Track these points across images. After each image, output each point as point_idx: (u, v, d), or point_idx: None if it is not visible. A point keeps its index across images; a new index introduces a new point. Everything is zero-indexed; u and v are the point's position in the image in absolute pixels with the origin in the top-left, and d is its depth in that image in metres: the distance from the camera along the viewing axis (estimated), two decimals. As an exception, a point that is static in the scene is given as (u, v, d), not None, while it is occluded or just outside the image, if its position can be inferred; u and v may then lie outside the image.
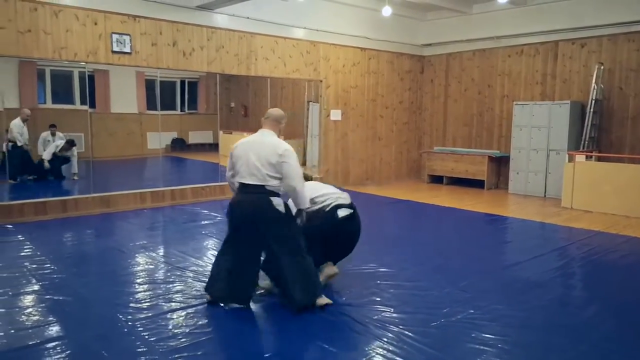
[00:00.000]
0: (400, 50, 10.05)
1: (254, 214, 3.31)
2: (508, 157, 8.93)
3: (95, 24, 6.42)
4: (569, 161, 7.45)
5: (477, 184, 9.17)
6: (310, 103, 10.51)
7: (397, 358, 2.79)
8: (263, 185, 3.32)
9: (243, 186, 3.39)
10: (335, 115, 9.17)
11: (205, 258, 4.66)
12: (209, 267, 4.34)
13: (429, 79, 10.50)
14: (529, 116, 8.49)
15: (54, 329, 3.10)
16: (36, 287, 3.82)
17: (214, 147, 10.20)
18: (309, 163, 10.76)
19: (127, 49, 6.66)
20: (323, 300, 3.42)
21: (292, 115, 11.90)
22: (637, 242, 5.49)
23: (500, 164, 9.27)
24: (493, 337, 3.07)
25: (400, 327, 3.19)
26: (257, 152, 3.38)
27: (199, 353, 2.81)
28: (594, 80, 7.75)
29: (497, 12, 8.95)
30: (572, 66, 8.38)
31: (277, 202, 3.34)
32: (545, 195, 8.34)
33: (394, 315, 3.38)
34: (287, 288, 3.34)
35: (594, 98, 7.73)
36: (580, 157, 7.37)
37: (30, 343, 2.89)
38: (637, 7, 7.39)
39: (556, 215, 6.89)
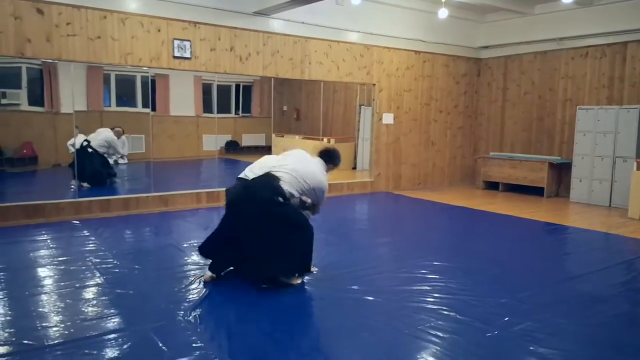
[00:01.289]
0: (456, 52, 9.83)
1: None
2: (570, 163, 8.52)
3: (159, 30, 6.71)
4: (637, 169, 7.01)
5: (536, 191, 8.80)
6: (362, 106, 10.49)
7: (450, 368, 2.72)
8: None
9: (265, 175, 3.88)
10: (388, 118, 9.09)
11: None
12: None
13: (485, 82, 10.21)
14: (594, 121, 8.07)
15: (116, 321, 3.25)
16: (99, 281, 4.02)
17: (266, 149, 10.38)
18: (359, 166, 10.73)
19: (188, 54, 6.91)
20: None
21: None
22: None
23: (562, 171, 8.85)
24: (552, 351, 2.93)
25: (455, 336, 3.11)
26: (302, 169, 3.89)
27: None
28: (667, 84, 7.26)
29: (561, 13, 8.57)
30: (642, 68, 7.89)
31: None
32: (610, 205, 7.88)
33: (447, 323, 3.30)
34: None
35: (667, 102, 7.24)
36: (650, 165, 6.92)
37: (94, 334, 3.05)
38: None
39: (622, 226, 6.49)
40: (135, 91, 9.87)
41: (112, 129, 8.44)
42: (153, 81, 10.11)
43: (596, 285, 4.18)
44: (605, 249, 5.69)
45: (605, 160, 7.95)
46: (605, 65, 8.35)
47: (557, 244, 5.90)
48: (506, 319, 3.39)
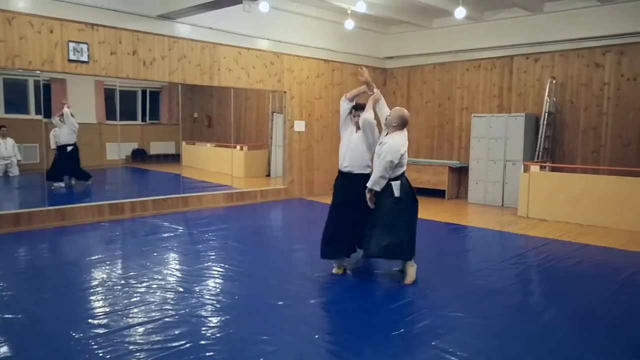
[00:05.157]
0: (363, 62, 10.17)
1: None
2: (467, 167, 9.18)
3: (51, 31, 6.23)
4: (524, 171, 7.72)
5: (438, 193, 9.35)
6: (275, 113, 10.51)
7: (359, 369, 2.79)
8: None
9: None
10: (299, 126, 9.19)
11: (165, 271, 4.55)
12: (169, 281, 4.26)
13: (391, 91, 10.69)
14: (487, 128, 8.76)
15: (1, 350, 2.94)
16: (-17, 306, 3.63)
17: (176, 158, 10.02)
18: (273, 173, 10.72)
19: (85, 58, 6.49)
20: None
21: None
22: (589, 249, 5.73)
23: (461, 174, 9.50)
24: (453, 344, 3.12)
25: (359, 338, 3.19)
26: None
27: (157, 370, 2.73)
28: (546, 94, 8.09)
29: (456, 27, 9.23)
30: (526, 80, 8.72)
31: None
32: (502, 205, 8.59)
33: (354, 326, 3.38)
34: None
35: (547, 111, 8.06)
36: (534, 168, 7.65)
37: (-25, 365, 2.74)
38: (586, 24, 7.79)
39: (513, 224, 7.11)
40: (27, 96, 9.07)
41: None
42: (48, 86, 9.36)
43: (492, 279, 4.53)
44: (499, 245, 6.19)
45: (497, 163, 8.66)
46: (495, 76, 9.12)
47: (458, 242, 6.32)
48: (411, 315, 3.56)
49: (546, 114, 8.05)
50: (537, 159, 8.05)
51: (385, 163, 4.14)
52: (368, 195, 4.24)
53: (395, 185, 4.21)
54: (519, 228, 6.81)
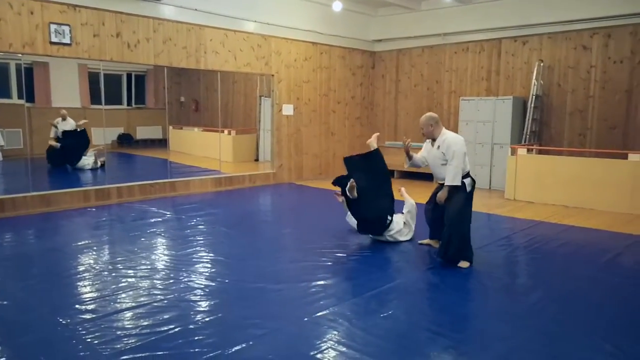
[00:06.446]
0: (351, 45, 10.11)
1: None
2: (456, 151, 9.18)
3: (32, 13, 6.06)
4: (512, 154, 7.76)
5: (427, 177, 9.37)
6: (262, 97, 10.42)
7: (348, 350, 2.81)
8: None
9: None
10: (288, 110, 9.13)
11: (153, 257, 4.52)
12: (158, 266, 4.23)
13: (380, 74, 10.64)
14: (475, 111, 8.77)
15: (-12, 337, 2.91)
16: (-32, 293, 3.57)
17: (163, 142, 9.92)
18: (261, 158, 10.68)
19: (67, 40, 6.34)
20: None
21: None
22: (575, 230, 5.80)
23: (449, 157, 9.51)
24: (443, 326, 3.15)
25: (349, 323, 3.22)
26: None
27: (145, 354, 2.71)
28: (534, 77, 8.10)
29: (444, 10, 9.17)
30: (514, 63, 8.72)
31: None
32: (490, 188, 8.65)
33: (343, 310, 3.40)
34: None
35: (534, 94, 8.09)
36: (522, 151, 7.69)
37: (-39, 352, 2.70)
38: (574, 6, 7.78)
39: (501, 206, 7.17)
40: (9, 80, 8.88)
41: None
42: (30, 69, 9.17)
43: (479, 261, 4.56)
44: (487, 228, 6.23)
45: (485, 146, 8.69)
46: (483, 59, 9.11)
47: (446, 225, 6.34)
48: (396, 301, 3.58)
49: (534, 97, 8.08)
50: (525, 142, 8.10)
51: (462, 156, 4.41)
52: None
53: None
54: (506, 210, 6.87)
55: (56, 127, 8.79)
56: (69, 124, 8.90)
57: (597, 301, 3.63)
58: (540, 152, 8.00)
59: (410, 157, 4.79)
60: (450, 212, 4.41)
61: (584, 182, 7.07)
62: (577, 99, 8.08)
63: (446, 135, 4.49)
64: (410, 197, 5.54)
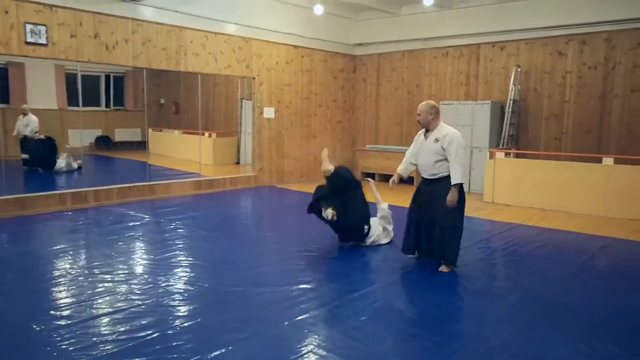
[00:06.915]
0: (333, 49, 10.15)
1: None
2: (436, 154, 9.28)
3: (6, 12, 5.93)
4: (490, 158, 7.88)
5: (407, 180, 9.42)
6: (244, 100, 10.37)
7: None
8: None
9: None
10: (269, 113, 9.10)
11: (130, 261, 4.45)
12: (135, 270, 4.17)
13: (361, 78, 10.69)
14: (454, 115, 8.87)
15: (-42, 345, 2.83)
16: (-63, 300, 3.47)
17: (142, 145, 9.79)
18: (242, 161, 10.62)
19: (43, 40, 6.22)
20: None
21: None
22: (552, 233, 5.91)
23: (429, 161, 9.60)
24: (422, 328, 3.17)
25: (327, 327, 3.21)
26: None
27: (123, 361, 2.67)
28: (512, 82, 8.24)
29: (424, 15, 9.27)
30: (492, 68, 8.86)
31: None
32: (469, 191, 8.73)
33: (322, 313, 3.40)
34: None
35: (512, 98, 8.23)
36: (500, 154, 7.81)
37: None
38: (551, 13, 7.95)
39: (479, 209, 7.26)
40: (-18, 81, 8.67)
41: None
42: (4, 70, 8.96)
43: (458, 263, 4.60)
44: (465, 230, 6.21)
45: (465, 150, 8.78)
46: (462, 64, 9.23)
47: (426, 228, 6.40)
48: (377, 303, 3.60)
49: (511, 101, 8.22)
50: (503, 145, 8.23)
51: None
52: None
53: None
54: (485, 213, 6.96)
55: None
56: (32, 122, 8.58)
57: (573, 302, 3.70)
58: (517, 155, 8.13)
59: (403, 178, 4.77)
60: (449, 213, 4.23)
61: (560, 185, 7.21)
62: (553, 104, 8.25)
63: (447, 130, 4.32)
64: (382, 200, 5.53)
